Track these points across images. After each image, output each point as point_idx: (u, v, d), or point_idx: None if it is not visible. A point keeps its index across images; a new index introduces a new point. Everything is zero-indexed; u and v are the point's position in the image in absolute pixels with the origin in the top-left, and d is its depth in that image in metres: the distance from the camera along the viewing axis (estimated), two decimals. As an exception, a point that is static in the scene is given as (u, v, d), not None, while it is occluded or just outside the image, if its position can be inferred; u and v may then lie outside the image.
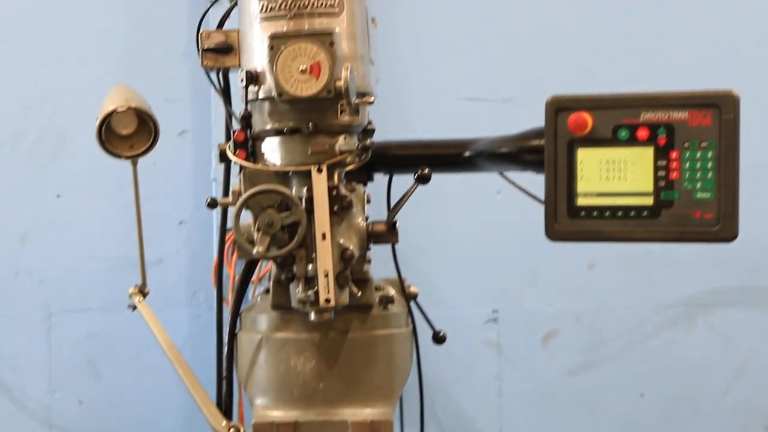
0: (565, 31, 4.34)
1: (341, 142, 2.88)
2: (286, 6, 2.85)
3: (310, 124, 2.86)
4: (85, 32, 4.34)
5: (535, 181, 2.80)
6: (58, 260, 4.36)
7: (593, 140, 2.88)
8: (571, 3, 4.36)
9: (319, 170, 2.86)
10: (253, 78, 2.88)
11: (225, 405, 3.21)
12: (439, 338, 3.04)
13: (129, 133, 3.07)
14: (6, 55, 4.36)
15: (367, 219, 3.01)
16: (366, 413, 2.86)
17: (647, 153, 2.93)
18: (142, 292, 3.17)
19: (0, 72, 4.36)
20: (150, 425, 4.33)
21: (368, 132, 3.01)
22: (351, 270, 2.88)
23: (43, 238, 4.36)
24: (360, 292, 2.87)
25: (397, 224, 2.91)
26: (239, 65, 2.97)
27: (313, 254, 2.84)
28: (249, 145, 2.98)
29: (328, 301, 2.79)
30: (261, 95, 2.88)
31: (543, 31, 4.34)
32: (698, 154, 2.92)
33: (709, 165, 2.90)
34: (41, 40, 4.34)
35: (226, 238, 3.19)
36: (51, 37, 4.34)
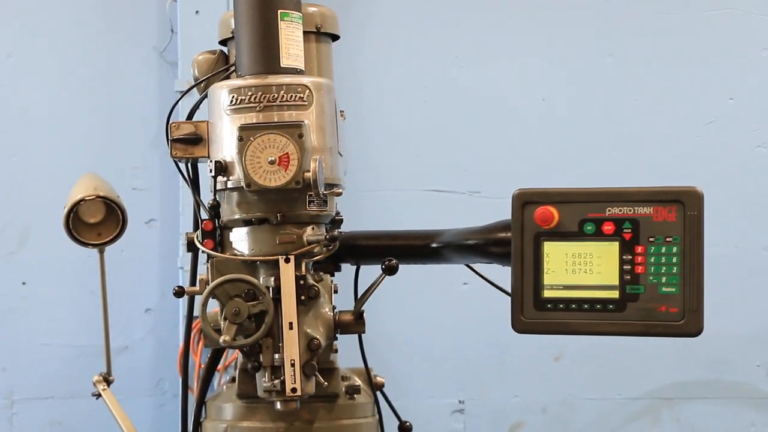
0: (531, 126, 4.39)
1: (309, 233, 2.89)
2: (255, 98, 2.87)
3: (279, 214, 2.88)
4: (51, 119, 4.37)
5: (502, 273, 2.81)
6: (22, 347, 4.36)
7: (559, 234, 2.90)
8: (536, 99, 4.41)
9: (287, 260, 2.87)
10: (221, 168, 2.89)
11: (189, 496, 3.19)
12: (405, 429, 3.03)
13: (97, 221, 3.07)
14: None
15: (334, 309, 2.99)
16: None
17: (613, 247, 2.94)
18: (107, 380, 3.15)
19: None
20: None
21: (336, 222, 3.03)
22: (317, 359, 2.86)
23: (7, 325, 4.35)
24: (326, 382, 2.86)
25: (364, 314, 2.91)
26: (208, 155, 2.98)
27: (280, 343, 2.84)
28: (217, 235, 2.98)
29: (294, 390, 2.78)
30: (230, 185, 2.89)
31: (510, 126, 4.39)
32: (663, 249, 2.94)
33: (674, 260, 2.91)
34: (9, 130, 4.35)
35: (193, 326, 3.17)
36: (19, 125, 4.35)
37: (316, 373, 2.85)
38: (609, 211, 2.94)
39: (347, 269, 3.08)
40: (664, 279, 2.94)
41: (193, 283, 3.06)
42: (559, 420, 4.51)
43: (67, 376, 4.24)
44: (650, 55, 4.43)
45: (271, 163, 2.82)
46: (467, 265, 3.01)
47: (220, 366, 3.17)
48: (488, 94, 4.40)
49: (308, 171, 2.79)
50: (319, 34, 3.07)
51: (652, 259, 2.94)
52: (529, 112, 4.39)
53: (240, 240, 2.97)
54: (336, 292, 3.06)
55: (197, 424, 3.11)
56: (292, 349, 2.81)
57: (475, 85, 4.40)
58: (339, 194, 2.96)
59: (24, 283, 4.36)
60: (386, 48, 4.37)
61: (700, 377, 4.29)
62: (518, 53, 4.44)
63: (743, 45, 4.47)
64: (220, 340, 2.82)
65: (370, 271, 2.97)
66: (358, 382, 2.99)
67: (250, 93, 2.87)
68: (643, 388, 4.26)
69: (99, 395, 3.14)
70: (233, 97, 2.89)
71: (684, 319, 2.87)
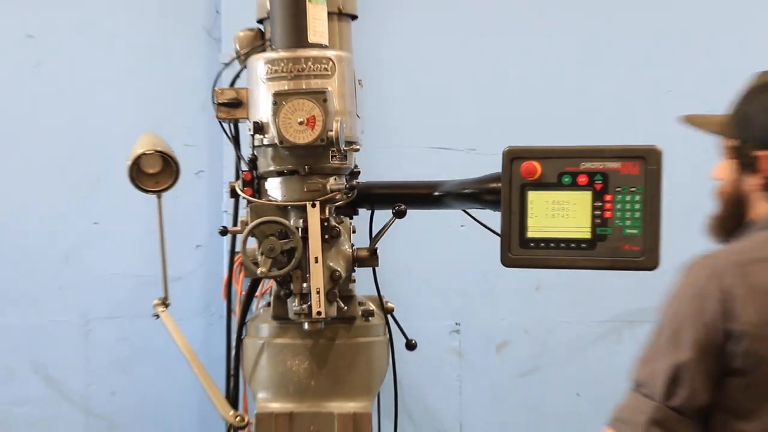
0: (520, 93, 4.35)
1: (332, 183, 2.88)
2: (287, 69, 2.85)
3: (306, 167, 2.87)
4: (118, 88, 4.34)
5: (493, 217, 2.81)
6: (95, 276, 4.35)
7: (541, 184, 2.88)
8: (524, 70, 4.38)
9: (313, 205, 2.86)
10: (259, 128, 2.87)
11: (232, 398, 3.18)
12: (411, 346, 3.03)
13: (155, 172, 3.06)
14: (57, 113, 4.35)
15: (352, 246, 3.00)
16: (349, 406, 2.85)
17: (586, 196, 2.93)
18: (165, 303, 3.15)
19: (51, 124, 4.35)
20: (170, 414, 4.31)
21: (354, 174, 3.03)
22: (338, 288, 2.88)
23: (82, 258, 4.34)
24: (345, 307, 2.88)
25: (378, 251, 2.91)
26: (248, 117, 2.97)
27: (307, 275, 2.84)
28: (255, 184, 2.98)
29: (319, 313, 2.80)
30: (265, 142, 2.88)
31: (502, 93, 4.35)
32: (628, 198, 2.92)
33: (637, 206, 2.91)
34: (85, 97, 4.35)
35: (235, 260, 3.19)
36: (92, 93, 4.34)
37: (338, 299, 2.87)
38: (583, 165, 2.92)
39: (363, 213, 3.07)
40: (628, 222, 2.93)
41: (235, 223, 3.08)
42: (538, 339, 4.51)
43: (132, 301, 4.25)
44: (628, 28, 4.38)
45: (300, 123, 2.80)
46: (464, 210, 3.00)
47: (257, 293, 3.17)
48: (484, 64, 4.37)
49: (331, 130, 2.78)
50: (341, 15, 3.04)
51: (618, 206, 2.93)
52: (516, 82, 4.34)
53: (274, 188, 2.95)
54: (354, 232, 3.07)
55: (239, 340, 3.12)
56: (317, 279, 2.82)
57: (474, 56, 4.37)
58: (357, 150, 2.98)
59: (96, 223, 4.35)
60: (397, 27, 4.34)
61: (656, 304, 4.27)
62: (511, 29, 4.40)
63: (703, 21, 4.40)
64: (258, 272, 2.83)
65: (383, 215, 2.98)
66: (372, 307, 3.01)
67: (282, 64, 2.85)
68: (609, 313, 4.25)
69: (158, 316, 3.15)
70: (268, 67, 2.87)
71: (644, 256, 2.87)
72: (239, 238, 2.96)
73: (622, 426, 2.46)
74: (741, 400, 2.43)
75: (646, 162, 2.90)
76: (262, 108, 2.88)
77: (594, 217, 2.92)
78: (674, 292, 2.54)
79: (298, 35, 2.88)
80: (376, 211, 3.08)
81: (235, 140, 3.12)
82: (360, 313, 2.97)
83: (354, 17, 3.10)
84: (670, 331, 2.50)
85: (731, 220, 2.57)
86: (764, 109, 2.30)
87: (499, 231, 2.75)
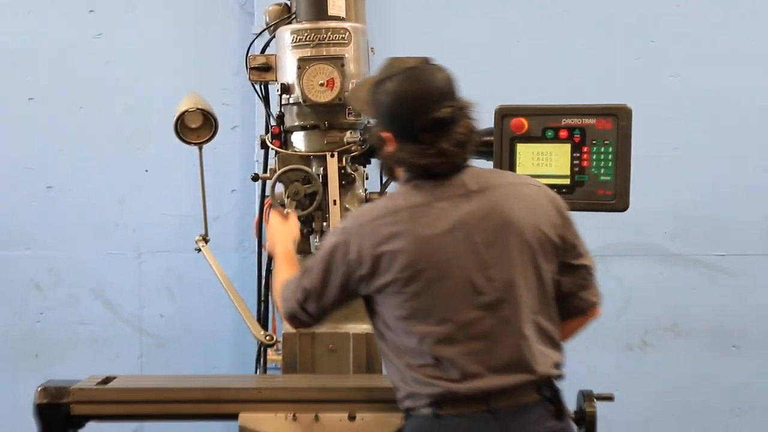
0: (511, 62, 4.32)
1: (348, 136, 2.91)
2: (309, 38, 2.87)
3: (326, 122, 2.90)
4: (165, 56, 4.34)
5: (487, 165, 2.81)
6: (147, 216, 4.36)
7: (528, 138, 2.91)
8: (513, 42, 4.34)
9: (332, 155, 2.89)
10: (285, 89, 2.90)
11: (263, 320, 3.22)
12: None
13: (197, 127, 3.07)
14: (114, 77, 4.35)
15: (366, 190, 3.03)
16: (363, 328, 2.85)
17: (566, 148, 2.96)
18: (205, 239, 3.16)
19: (110, 86, 4.35)
20: (210, 333, 4.33)
21: (367, 128, 2.99)
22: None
23: (135, 200, 4.36)
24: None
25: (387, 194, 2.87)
26: (276, 79, 2.99)
27: (327, 215, 2.88)
28: (282, 137, 2.99)
29: None
30: (291, 101, 2.91)
31: (495, 62, 4.31)
32: (602, 149, 2.95)
33: (610, 157, 2.93)
34: (138, 63, 4.35)
35: (265, 202, 3.16)
36: (143, 60, 4.33)
37: None
38: (564, 121, 2.95)
39: (375, 162, 3.05)
40: (602, 170, 2.97)
41: (265, 171, 3.09)
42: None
43: (177, 237, 4.22)
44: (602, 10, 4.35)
45: (321, 85, 2.83)
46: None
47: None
48: (477, 35, 4.33)
49: (347, 91, 2.82)
50: None
51: (594, 157, 2.96)
52: (508, 53, 4.31)
53: (298, 141, 2.99)
54: (367, 178, 3.10)
55: (268, 271, 3.15)
56: (335, 219, 2.85)
57: (468, 29, 4.33)
58: None
59: (146, 171, 4.35)
60: (403, 2, 4.30)
61: (624, 240, 4.28)
62: (501, 11, 4.35)
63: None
64: (284, 212, 2.86)
65: None
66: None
67: (305, 34, 2.88)
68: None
69: (200, 250, 3.16)
70: (294, 37, 2.90)
71: (615, 199, 2.92)
72: (268, 183, 3.00)
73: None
74: None
75: (618, 119, 2.93)
76: (288, 72, 2.91)
77: (573, 166, 2.95)
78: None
79: (319, 9, 2.90)
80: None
81: (265, 99, 3.15)
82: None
83: (368, -6, 3.12)
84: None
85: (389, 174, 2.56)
86: (387, 96, 2.29)
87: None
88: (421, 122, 2.26)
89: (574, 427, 2.46)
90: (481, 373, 2.26)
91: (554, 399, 2.33)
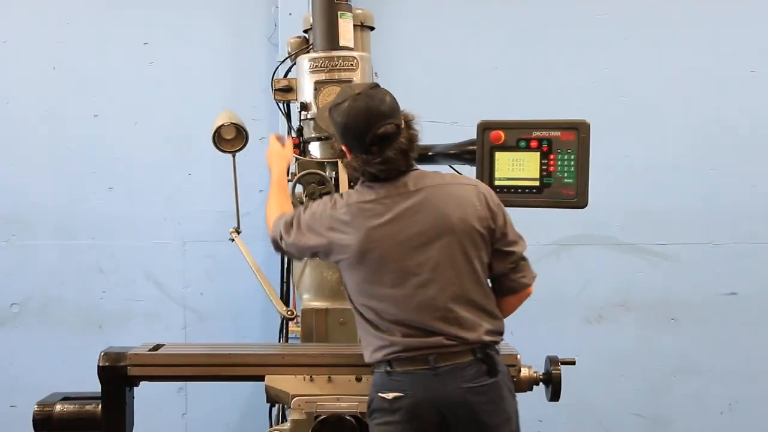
0: (489, 80, 4.30)
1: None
2: (324, 65, 2.84)
3: (338, 134, 2.86)
4: (207, 79, 4.32)
5: (470, 171, 2.83)
6: (190, 211, 4.34)
7: (505, 147, 2.90)
8: (491, 66, 4.32)
9: (343, 161, 2.83)
10: (304, 107, 2.88)
11: (285, 298, 3.20)
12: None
13: (231, 138, 3.06)
14: (164, 96, 4.33)
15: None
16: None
17: (536, 155, 2.95)
18: (237, 231, 3.15)
19: (160, 104, 4.33)
20: (242, 308, 4.29)
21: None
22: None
23: (181, 198, 4.33)
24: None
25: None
26: (296, 99, 2.96)
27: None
28: (301, 146, 2.97)
29: None
30: (308, 117, 2.89)
31: (476, 80, 4.30)
32: (565, 157, 2.95)
33: (572, 163, 2.93)
34: (184, 85, 4.33)
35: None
36: (188, 83, 4.32)
37: None
38: (534, 133, 2.94)
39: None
40: (565, 174, 2.96)
41: (287, 174, 3.04)
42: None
43: (214, 229, 4.22)
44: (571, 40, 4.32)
45: None
46: (450, 166, 2.99)
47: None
48: (462, 61, 4.30)
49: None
50: (363, 27, 3.05)
51: (559, 163, 2.95)
52: (488, 77, 4.29)
53: (314, 149, 2.96)
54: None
55: (290, 259, 3.11)
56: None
57: (454, 55, 4.31)
58: None
59: (189, 174, 4.33)
60: (399, 35, 4.28)
61: (584, 232, 4.27)
62: (482, 41, 4.32)
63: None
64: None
65: None
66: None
67: (321, 61, 2.86)
68: (550, 238, 4.20)
69: (233, 239, 3.14)
70: (311, 64, 2.88)
71: (577, 198, 2.91)
72: (290, 185, 2.96)
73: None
74: None
75: (579, 131, 2.92)
76: (306, 92, 2.88)
77: (541, 170, 2.93)
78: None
79: (332, 41, 2.87)
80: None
81: (287, 115, 3.14)
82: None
83: (372, 28, 3.10)
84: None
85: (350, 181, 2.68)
86: (341, 117, 2.38)
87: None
88: (368, 138, 2.34)
89: (508, 382, 2.47)
90: (420, 340, 2.36)
91: (486, 360, 2.38)
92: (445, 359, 2.34)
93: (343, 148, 2.43)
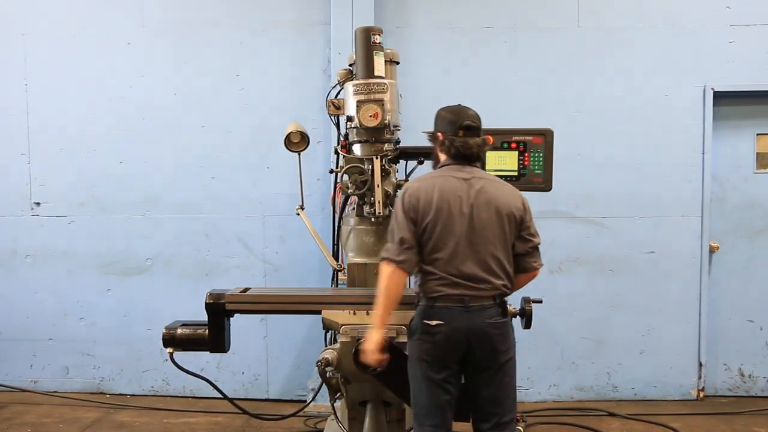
0: (480, 100, 4.21)
1: (386, 147, 2.84)
2: (363, 89, 2.79)
3: (373, 138, 2.82)
4: (280, 100, 4.27)
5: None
6: (268, 194, 4.30)
7: (493, 147, 2.88)
8: (481, 91, 4.19)
9: (377, 158, 2.81)
10: (349, 119, 2.82)
11: (336, 256, 3.18)
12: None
13: (297, 141, 3.05)
14: (250, 113, 4.27)
15: (396, 179, 2.94)
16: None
17: (515, 154, 2.94)
18: (302, 207, 3.15)
19: (246, 118, 4.27)
20: (305, 263, 4.25)
21: (398, 141, 2.96)
22: (390, 201, 2.84)
23: (262, 183, 4.30)
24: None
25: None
26: (344, 113, 2.91)
27: (373, 193, 2.80)
28: (347, 147, 2.92)
29: (380, 214, 2.79)
30: (352, 126, 2.83)
31: (469, 100, 4.20)
32: (536, 155, 2.93)
33: (541, 159, 2.92)
34: (264, 105, 4.27)
35: (337, 186, 3.15)
36: (268, 104, 4.26)
37: (389, 206, 2.83)
38: (514, 138, 2.93)
39: (403, 162, 3.00)
40: (536, 167, 2.94)
41: (336, 167, 3.05)
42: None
43: (285, 206, 4.21)
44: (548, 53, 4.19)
45: (370, 116, 2.76)
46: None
47: (349, 202, 3.12)
48: (462, 84, 4.20)
49: (386, 120, 2.76)
50: (391, 62, 2.99)
51: (531, 159, 2.93)
52: (478, 98, 4.17)
53: (356, 149, 2.91)
54: (397, 171, 3.02)
55: (339, 226, 3.09)
56: (378, 196, 2.79)
57: (454, 89, 4.20)
58: (398, 130, 2.92)
59: (268, 168, 4.29)
60: (416, 66, 4.17)
61: (549, 209, 4.20)
62: (473, 71, 4.19)
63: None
64: (349, 191, 2.83)
65: (411, 164, 2.94)
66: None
67: (361, 86, 2.81)
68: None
69: (298, 214, 3.15)
70: (354, 88, 2.83)
71: (544, 184, 2.92)
72: (338, 175, 2.93)
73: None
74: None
75: (546, 136, 2.91)
76: (351, 108, 2.83)
77: (519, 164, 2.93)
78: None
79: (369, 71, 2.82)
80: (408, 162, 3.03)
81: (337, 125, 3.10)
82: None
83: (397, 63, 3.03)
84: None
85: (436, 163, 2.60)
86: (443, 113, 2.52)
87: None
88: (458, 124, 2.47)
89: (513, 322, 2.52)
90: (460, 282, 2.37)
91: (501, 305, 2.42)
92: (474, 300, 2.37)
93: (439, 134, 2.49)
